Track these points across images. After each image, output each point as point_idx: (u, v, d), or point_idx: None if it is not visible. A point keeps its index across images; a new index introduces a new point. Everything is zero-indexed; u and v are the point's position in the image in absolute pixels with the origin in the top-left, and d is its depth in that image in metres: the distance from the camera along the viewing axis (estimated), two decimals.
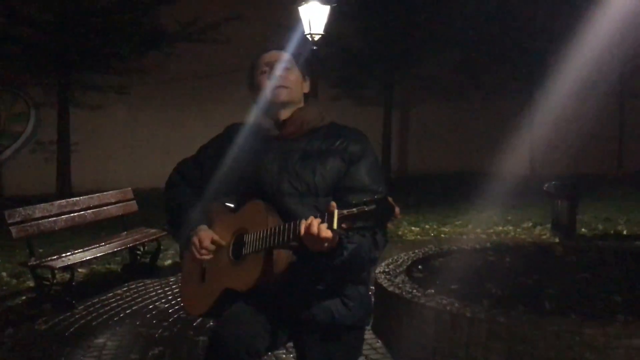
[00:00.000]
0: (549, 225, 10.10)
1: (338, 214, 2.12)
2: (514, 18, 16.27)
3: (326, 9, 10.30)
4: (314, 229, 2.16)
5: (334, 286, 2.47)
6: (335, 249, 2.25)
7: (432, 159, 19.22)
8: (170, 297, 6.62)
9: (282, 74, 2.54)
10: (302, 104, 2.63)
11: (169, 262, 8.27)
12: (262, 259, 2.36)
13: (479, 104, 18.99)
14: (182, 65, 15.20)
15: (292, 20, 13.07)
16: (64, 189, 14.05)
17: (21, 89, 16.30)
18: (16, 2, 13.13)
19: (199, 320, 5.84)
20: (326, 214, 2.16)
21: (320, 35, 10.30)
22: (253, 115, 2.65)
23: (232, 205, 2.65)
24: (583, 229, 10.04)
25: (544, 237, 9.78)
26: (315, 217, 2.20)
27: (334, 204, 2.15)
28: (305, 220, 2.21)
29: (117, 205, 7.88)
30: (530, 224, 10.60)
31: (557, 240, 9.11)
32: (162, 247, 8.25)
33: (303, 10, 10.27)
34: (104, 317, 6.01)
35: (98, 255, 6.88)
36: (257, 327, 2.38)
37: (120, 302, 6.47)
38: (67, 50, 13.43)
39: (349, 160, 2.49)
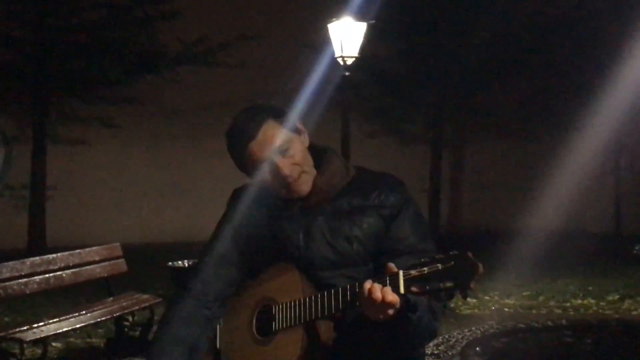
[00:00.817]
0: None
1: (404, 275, 2.11)
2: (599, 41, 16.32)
3: (362, 27, 10.34)
4: (378, 294, 2.13)
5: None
6: (400, 317, 2.20)
7: (491, 211, 19.05)
8: None
9: (288, 163, 2.47)
10: (313, 169, 2.57)
11: None
12: (301, 335, 2.35)
13: (550, 144, 18.91)
14: (183, 93, 15.24)
15: (321, 40, 13.24)
16: (37, 244, 14.12)
17: None
18: None
19: None
20: (387, 276, 2.15)
21: (354, 59, 10.33)
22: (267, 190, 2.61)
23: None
24: None
25: (635, 312, 9.64)
26: (374, 280, 2.17)
27: (392, 265, 2.16)
28: (358, 283, 2.20)
29: (101, 264, 7.88)
30: (617, 296, 10.44)
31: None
32: (155, 318, 8.25)
33: (333, 29, 10.31)
34: None
35: (77, 326, 6.87)
36: None
37: None
38: (44, 73, 13.58)
39: (389, 215, 2.48)
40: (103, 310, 7.37)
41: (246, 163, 2.53)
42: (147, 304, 7.78)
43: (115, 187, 16.90)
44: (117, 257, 8.13)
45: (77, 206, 16.30)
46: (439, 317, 2.39)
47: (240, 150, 2.50)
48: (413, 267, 2.11)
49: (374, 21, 10.92)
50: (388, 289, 2.13)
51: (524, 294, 10.85)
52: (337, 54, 10.34)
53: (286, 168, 2.45)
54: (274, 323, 2.41)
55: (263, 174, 2.50)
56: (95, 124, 14.91)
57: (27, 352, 6.50)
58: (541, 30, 16.32)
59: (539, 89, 17.79)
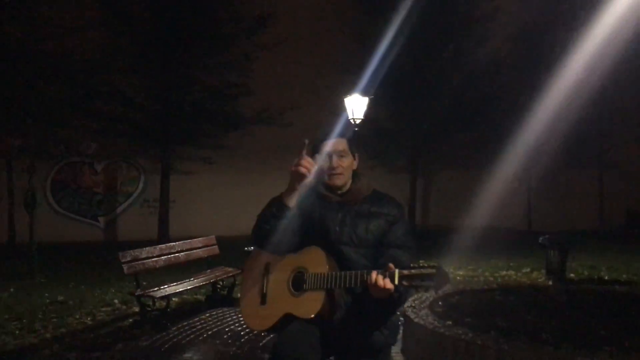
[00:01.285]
0: (543, 271, 9.80)
1: (398, 273, 2.21)
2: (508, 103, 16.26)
3: (365, 100, 10.44)
4: (380, 282, 2.24)
5: (375, 319, 2.49)
6: (390, 296, 2.30)
7: (448, 215, 18.94)
8: (242, 322, 6.59)
9: (339, 164, 2.62)
10: (351, 179, 2.69)
11: None
12: (323, 296, 2.39)
13: (486, 171, 18.77)
14: (255, 142, 15.46)
15: (340, 108, 13.31)
16: (164, 236, 14.26)
17: (133, 159, 16.79)
18: (131, 93, 13.63)
19: (264, 341, 5.79)
20: (387, 271, 2.24)
21: (360, 120, 10.42)
22: (316, 182, 2.68)
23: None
24: (572, 274, 9.70)
25: (540, 280, 9.48)
26: (378, 272, 2.27)
27: (392, 265, 2.25)
28: (371, 272, 2.28)
29: (203, 249, 7.95)
30: (529, 269, 10.30)
31: (550, 282, 8.82)
32: (237, 282, 8.26)
33: (347, 101, 10.43)
34: (191, 337, 6.01)
35: (188, 287, 6.92)
36: (311, 345, 2.38)
37: (204, 325, 6.47)
38: (169, 130, 13.83)
39: (391, 221, 2.58)
40: (204, 278, 7.42)
41: (317, 151, 2.63)
42: (231, 274, 7.81)
43: (211, 200, 17.06)
44: (213, 245, 8.20)
45: (188, 212, 16.47)
46: (411, 293, 2.51)
47: (320, 141, 2.65)
48: (406, 268, 2.23)
49: (372, 96, 10.98)
50: (387, 280, 2.24)
51: (469, 267, 10.75)
52: (350, 117, 10.41)
53: (336, 163, 2.61)
54: (304, 284, 2.47)
55: (322, 161, 2.62)
56: (199, 161, 15.09)
57: (157, 304, 6.54)
58: (478, 101, 16.25)
59: (478, 135, 17.68)
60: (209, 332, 6.16)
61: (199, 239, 8.05)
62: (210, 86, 13.92)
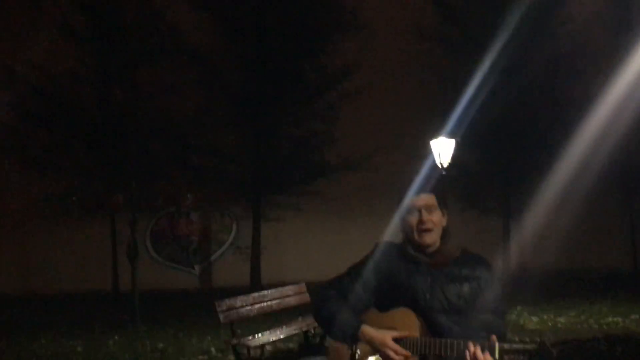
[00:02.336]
0: None
1: (499, 347, 2.11)
2: None
3: (452, 142, 10.30)
4: (480, 356, 2.15)
5: None
6: None
7: (544, 257, 17.99)
8: None
9: (429, 219, 2.45)
10: (439, 239, 2.51)
11: None
12: None
13: (583, 209, 17.82)
14: (342, 188, 15.46)
15: (425, 150, 13.20)
16: (256, 281, 14.53)
17: (226, 208, 17.38)
18: (224, 146, 14.24)
19: None
20: (487, 343, 2.14)
21: (448, 163, 10.27)
22: (402, 241, 2.58)
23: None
24: None
25: None
26: (476, 344, 2.17)
27: (494, 337, 2.15)
28: (468, 342, 2.19)
29: (294, 297, 8.01)
30: (638, 316, 9.51)
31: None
32: None
33: (434, 144, 10.33)
34: None
35: (281, 336, 6.97)
36: None
37: None
38: (259, 180, 14.25)
39: (483, 286, 2.42)
40: (295, 326, 7.44)
41: (405, 206, 2.49)
42: None
43: (301, 245, 17.26)
44: (303, 292, 8.22)
45: (278, 258, 16.69)
46: None
47: (410, 197, 2.48)
48: (507, 342, 2.13)
49: (459, 139, 10.82)
50: (487, 354, 2.14)
51: (571, 314, 10.09)
52: (437, 160, 10.29)
53: (425, 218, 2.44)
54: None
55: (410, 216, 2.47)
56: (289, 209, 15.34)
57: (252, 352, 6.62)
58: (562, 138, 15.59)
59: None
60: None
61: (290, 286, 8.13)
62: (297, 136, 14.31)
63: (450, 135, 10.69)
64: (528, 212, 19.13)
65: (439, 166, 10.29)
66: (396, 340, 2.37)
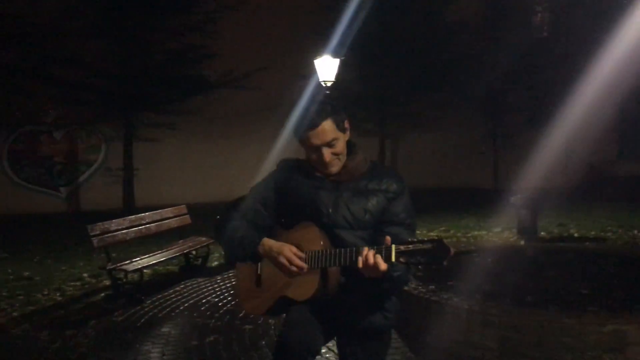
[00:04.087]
0: (514, 230, 9.93)
1: (395, 249, 2.03)
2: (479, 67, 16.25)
3: (336, 61, 10.18)
4: (371, 260, 2.07)
5: (375, 300, 2.36)
6: (384, 276, 2.13)
7: (417, 177, 19.02)
8: (219, 293, 6.48)
9: (330, 154, 2.33)
10: (346, 156, 2.41)
11: (215, 263, 8.12)
12: (318, 276, 2.24)
13: (454, 134, 18.90)
14: (220, 106, 14.97)
15: (308, 70, 13.00)
16: (129, 205, 13.91)
17: (95, 126, 16.19)
18: (93, 59, 13.06)
19: (243, 312, 5.70)
20: (384, 247, 2.06)
21: (332, 82, 10.17)
22: (307, 160, 2.45)
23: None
24: (542, 233, 9.86)
25: (512, 239, 9.61)
26: (370, 249, 2.09)
27: (389, 238, 2.07)
28: (361, 249, 2.11)
29: (174, 218, 7.73)
30: (500, 229, 10.42)
31: (522, 242, 8.94)
32: (211, 252, 8.11)
33: (318, 63, 10.15)
34: (167, 310, 5.87)
35: (161, 260, 6.74)
36: (315, 330, 2.26)
37: (179, 297, 6.34)
38: (131, 96, 13.33)
39: (390, 198, 2.35)
40: (176, 249, 7.25)
41: (303, 143, 2.37)
42: (205, 244, 7.65)
43: (177, 167, 16.66)
44: (184, 214, 7.97)
45: (153, 180, 16.06)
46: (412, 271, 2.32)
47: (303, 133, 2.34)
48: (403, 243, 2.04)
49: (344, 57, 10.73)
50: (379, 257, 2.07)
51: (441, 228, 10.81)
52: (321, 79, 10.14)
53: (327, 156, 2.33)
54: None
55: (311, 154, 2.37)
56: (163, 128, 14.62)
57: (130, 277, 6.34)
58: (445, 64, 16.17)
59: (446, 100, 17.66)
60: (186, 305, 6.04)
61: (170, 208, 7.81)
62: (172, 50, 13.41)
63: (335, 54, 10.53)
64: (402, 135, 19.96)
65: (323, 86, 10.16)
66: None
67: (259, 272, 2.46)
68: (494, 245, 8.06)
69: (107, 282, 6.85)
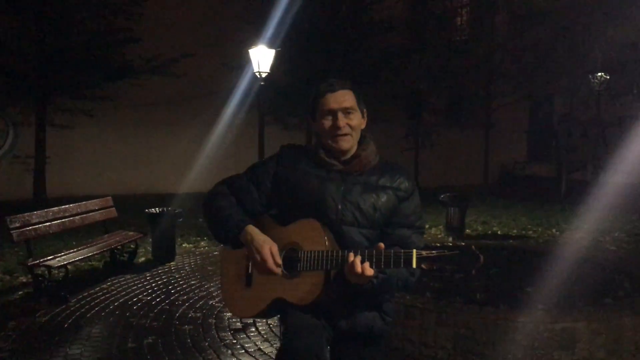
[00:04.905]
0: (441, 227, 10.19)
1: (417, 254, 1.89)
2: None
3: (272, 52, 9.95)
4: (358, 267, 1.96)
5: (373, 303, 2.24)
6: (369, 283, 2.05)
7: None
8: (150, 291, 6.15)
9: (345, 122, 2.18)
10: (357, 143, 2.26)
11: (142, 259, 7.72)
12: (322, 280, 2.06)
13: (378, 132, 19.15)
14: (143, 94, 14.24)
15: (239, 60, 12.70)
16: (40, 196, 13.00)
17: (0, 109, 14.99)
18: (3, 36, 12.07)
19: (181, 311, 5.45)
20: (403, 252, 1.92)
21: (266, 73, 9.92)
22: (314, 145, 2.29)
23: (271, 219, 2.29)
24: (467, 230, 10.16)
25: (439, 236, 9.84)
26: (356, 255, 1.97)
27: (381, 245, 1.99)
28: (347, 255, 1.99)
29: (99, 211, 7.26)
30: (427, 226, 10.62)
31: (450, 239, 9.17)
32: (139, 247, 7.71)
33: (253, 52, 9.87)
34: (96, 309, 5.50)
35: (88, 255, 6.29)
36: (321, 336, 2.10)
37: (107, 296, 5.95)
38: (45, 78, 12.43)
39: (402, 197, 2.22)
40: (102, 243, 6.81)
41: (316, 107, 2.21)
42: (133, 238, 7.25)
43: (93, 157, 15.73)
44: (110, 207, 7.51)
45: (67, 169, 15.10)
46: (416, 274, 2.15)
47: (319, 95, 2.19)
48: (425, 248, 1.91)
49: (279, 49, 10.50)
50: (367, 264, 1.96)
51: None
52: (255, 69, 9.86)
53: (342, 122, 2.17)
54: (299, 264, 2.10)
55: (324, 120, 2.19)
56: (80, 114, 13.76)
57: (54, 274, 5.88)
58: (372, 59, 16.35)
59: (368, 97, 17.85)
60: (115, 304, 5.68)
61: (95, 200, 7.33)
62: (94, 31, 12.61)
63: (270, 45, 10.28)
64: None
65: (258, 76, 9.89)
66: (300, 255, 2.12)
67: (249, 271, 2.25)
68: (430, 242, 8.18)
69: (24, 279, 6.35)
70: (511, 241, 9.31)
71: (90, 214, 7.04)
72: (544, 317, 3.93)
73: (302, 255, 2.09)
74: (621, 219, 11.79)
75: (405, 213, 2.21)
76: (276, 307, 2.19)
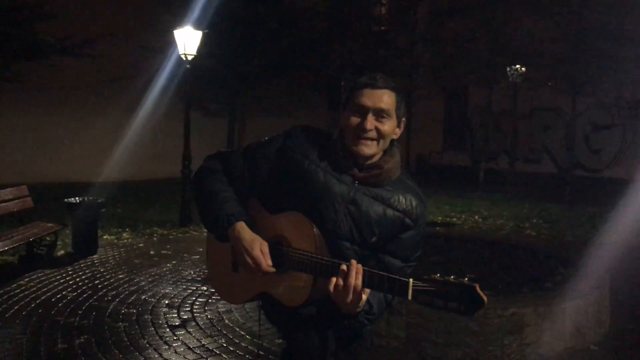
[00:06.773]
0: None
1: (413, 285, 1.65)
2: None
3: (199, 34, 9.53)
4: (350, 298, 1.75)
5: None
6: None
7: None
8: (75, 287, 5.74)
9: (375, 125, 1.90)
10: (382, 152, 1.98)
11: (62, 252, 7.20)
12: (311, 284, 1.87)
13: (300, 117, 19.10)
14: (54, 75, 13.20)
15: (162, 43, 12.15)
16: None
17: None
18: None
19: (112, 307, 5.11)
20: (398, 280, 1.68)
21: (193, 56, 9.50)
22: (335, 139, 1.99)
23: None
24: None
25: None
26: (374, 274, 1.74)
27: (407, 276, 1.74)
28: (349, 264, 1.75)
29: (14, 201, 6.69)
30: None
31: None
32: (58, 240, 7.19)
33: (178, 34, 9.42)
34: (15, 308, 5.05)
35: (5, 249, 5.76)
36: (316, 337, 1.94)
37: (26, 293, 5.48)
38: None
39: (407, 225, 1.95)
40: (18, 236, 6.27)
41: (350, 99, 1.93)
42: (51, 230, 6.74)
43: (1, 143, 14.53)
44: (25, 196, 6.94)
45: None
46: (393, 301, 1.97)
47: (357, 86, 1.91)
48: (422, 280, 1.67)
49: (207, 30, 10.07)
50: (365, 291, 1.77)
51: None
52: (181, 52, 9.41)
53: (370, 124, 1.88)
54: (286, 263, 1.89)
55: (354, 115, 1.90)
56: None
57: None
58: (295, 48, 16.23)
59: (293, 85, 17.75)
60: (37, 301, 5.24)
61: (8, 189, 6.73)
62: (1, 6, 11.61)
63: (197, 26, 9.82)
64: (250, 118, 19.70)
65: (184, 59, 9.44)
66: (285, 251, 1.91)
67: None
68: None
69: None
70: (438, 228, 9.52)
71: (4, 204, 6.46)
72: (494, 304, 3.98)
73: (292, 253, 1.89)
74: (536, 205, 12.38)
75: (406, 245, 1.97)
76: (263, 299, 2.03)
